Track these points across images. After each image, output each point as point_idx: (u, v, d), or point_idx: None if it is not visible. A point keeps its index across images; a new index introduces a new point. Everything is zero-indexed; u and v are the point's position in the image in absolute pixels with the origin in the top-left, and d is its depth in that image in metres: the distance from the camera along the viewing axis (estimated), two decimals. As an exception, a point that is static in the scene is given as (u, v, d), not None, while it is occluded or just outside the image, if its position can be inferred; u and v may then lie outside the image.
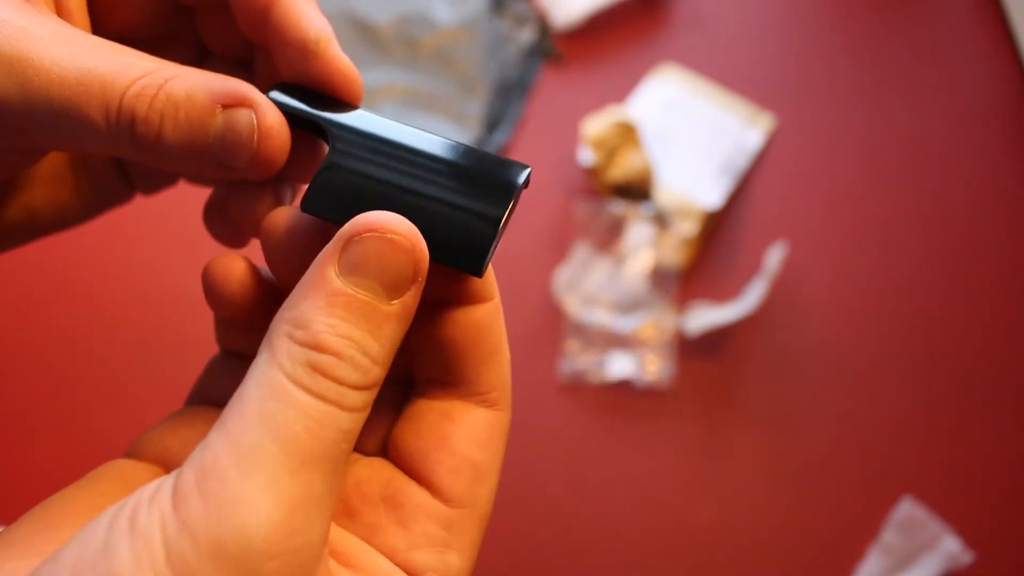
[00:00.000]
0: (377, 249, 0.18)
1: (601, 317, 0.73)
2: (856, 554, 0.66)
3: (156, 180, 0.29)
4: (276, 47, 0.22)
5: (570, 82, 0.87)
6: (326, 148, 0.23)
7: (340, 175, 0.21)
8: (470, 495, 0.20)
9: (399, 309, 0.18)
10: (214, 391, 0.24)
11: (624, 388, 0.72)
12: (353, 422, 0.17)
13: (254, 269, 0.22)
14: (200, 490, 0.16)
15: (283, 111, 0.22)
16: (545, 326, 0.74)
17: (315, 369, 0.17)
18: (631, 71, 0.87)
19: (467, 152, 0.21)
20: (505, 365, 0.22)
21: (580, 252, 0.75)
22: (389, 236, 0.18)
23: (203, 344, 0.78)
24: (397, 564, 0.19)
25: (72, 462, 0.67)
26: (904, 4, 0.93)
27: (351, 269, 0.18)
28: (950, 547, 0.65)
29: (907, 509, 0.66)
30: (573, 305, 0.73)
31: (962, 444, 0.71)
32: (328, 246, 0.18)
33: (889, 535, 0.66)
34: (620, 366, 0.72)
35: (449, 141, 0.22)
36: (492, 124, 0.84)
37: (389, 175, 0.20)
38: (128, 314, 0.73)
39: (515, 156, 0.83)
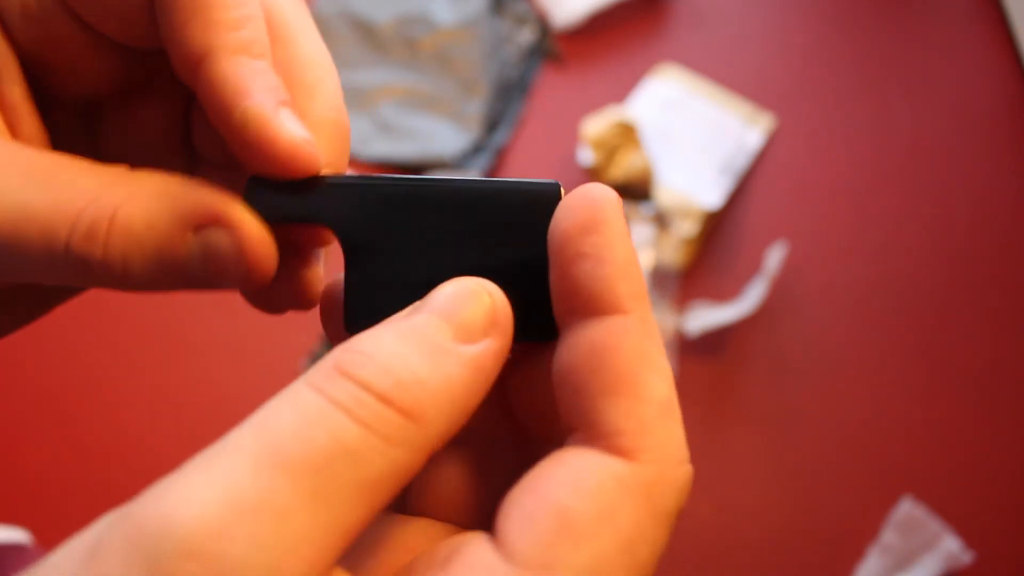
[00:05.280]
0: (454, 292, 0.17)
1: (601, 317, 0.73)
2: (856, 554, 0.66)
3: None
4: (212, 121, 0.18)
5: (570, 82, 0.87)
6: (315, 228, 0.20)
7: (371, 280, 0.19)
8: (544, 555, 0.14)
9: (468, 357, 0.16)
10: None
11: (624, 388, 0.72)
12: (367, 444, 0.14)
13: None
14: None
15: (266, 216, 0.18)
16: (545, 326, 0.74)
17: (337, 368, 0.14)
18: (631, 71, 0.87)
19: (475, 192, 0.19)
20: (647, 402, 0.16)
21: (580, 252, 0.75)
22: (473, 288, 0.17)
23: (203, 344, 0.78)
24: None
25: (72, 462, 0.67)
26: (904, 4, 0.93)
27: (423, 307, 0.17)
28: (950, 547, 0.65)
29: (907, 509, 0.66)
30: (573, 305, 0.73)
31: (962, 444, 0.71)
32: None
33: (889, 535, 0.66)
34: (620, 366, 0.72)
35: (451, 185, 0.19)
36: (492, 124, 0.84)
37: (416, 266, 0.19)
38: (128, 314, 0.73)
39: (515, 156, 0.83)
